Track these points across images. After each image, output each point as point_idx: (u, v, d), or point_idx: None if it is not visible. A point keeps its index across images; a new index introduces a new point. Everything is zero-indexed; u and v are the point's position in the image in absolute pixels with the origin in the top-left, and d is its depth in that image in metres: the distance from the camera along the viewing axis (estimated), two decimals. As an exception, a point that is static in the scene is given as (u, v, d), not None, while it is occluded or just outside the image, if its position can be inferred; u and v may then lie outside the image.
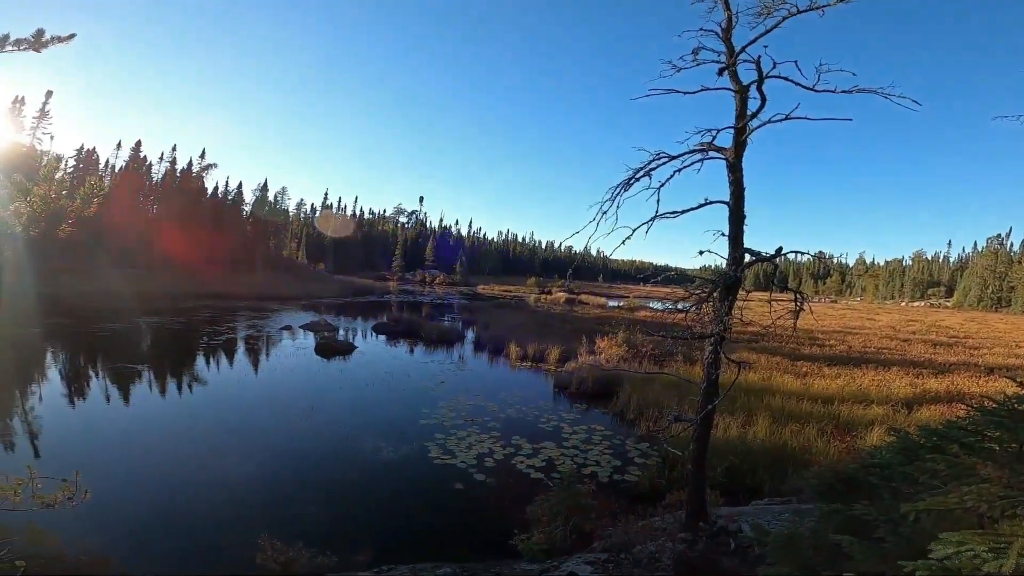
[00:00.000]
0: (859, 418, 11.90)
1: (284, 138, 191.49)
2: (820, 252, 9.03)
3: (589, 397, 15.24)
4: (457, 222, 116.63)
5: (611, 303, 55.80)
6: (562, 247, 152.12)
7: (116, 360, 17.59)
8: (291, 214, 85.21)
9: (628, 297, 62.98)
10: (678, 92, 6.17)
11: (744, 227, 5.74)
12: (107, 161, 56.42)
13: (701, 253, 5.87)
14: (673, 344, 6.13)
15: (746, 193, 5.83)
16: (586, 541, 6.60)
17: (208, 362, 18.48)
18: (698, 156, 5.99)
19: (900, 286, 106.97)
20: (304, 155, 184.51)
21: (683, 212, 6.02)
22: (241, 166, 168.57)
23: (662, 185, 6.01)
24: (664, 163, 6.00)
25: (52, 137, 49.30)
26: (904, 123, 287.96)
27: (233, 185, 65.16)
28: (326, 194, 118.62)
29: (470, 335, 27.60)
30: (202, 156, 60.21)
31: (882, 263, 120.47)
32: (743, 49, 5.85)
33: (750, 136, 5.79)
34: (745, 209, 5.79)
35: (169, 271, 46.96)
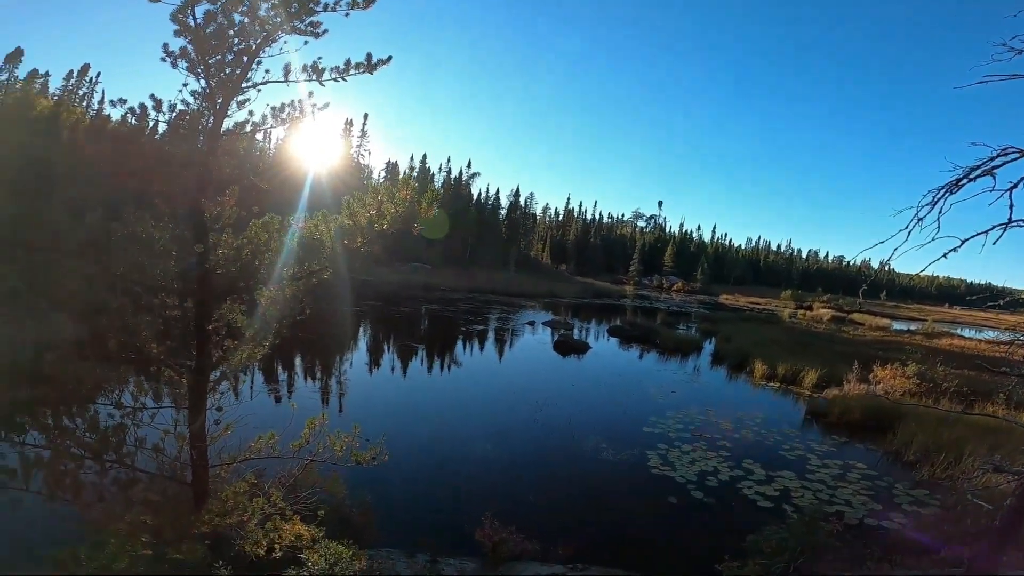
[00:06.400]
0: None
1: (534, 146, 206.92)
2: None
3: (852, 429, 13.00)
4: (699, 227, 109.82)
5: (896, 325, 45.04)
6: (828, 257, 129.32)
7: (402, 338, 22.20)
8: (538, 217, 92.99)
9: (924, 320, 49.87)
10: (1027, 76, 4.88)
11: None
12: (404, 172, 70.71)
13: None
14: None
15: None
16: (813, 584, 5.67)
17: (465, 348, 21.69)
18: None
19: None
20: (550, 161, 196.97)
21: None
22: (496, 172, 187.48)
23: (1014, 186, 4.74)
24: (1015, 159, 4.76)
25: (370, 153, 63.94)
26: None
27: (492, 191, 74.96)
28: (568, 198, 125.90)
29: (708, 347, 25.85)
30: (468, 166, 71.26)
31: None
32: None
33: None
34: None
35: (445, 267, 56.53)
